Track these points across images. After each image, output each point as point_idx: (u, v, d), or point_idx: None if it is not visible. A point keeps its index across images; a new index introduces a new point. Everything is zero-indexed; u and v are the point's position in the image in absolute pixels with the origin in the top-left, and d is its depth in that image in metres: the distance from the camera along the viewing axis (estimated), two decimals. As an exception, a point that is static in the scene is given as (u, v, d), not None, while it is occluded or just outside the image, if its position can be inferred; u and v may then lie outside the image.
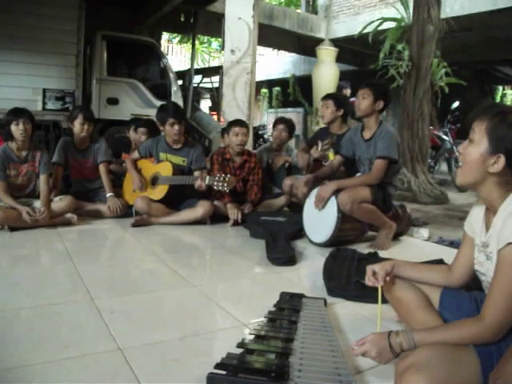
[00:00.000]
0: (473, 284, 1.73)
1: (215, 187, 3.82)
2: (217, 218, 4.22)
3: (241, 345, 1.68)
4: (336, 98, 4.42)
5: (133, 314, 2.14)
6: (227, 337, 1.92)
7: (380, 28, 7.62)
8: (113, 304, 2.23)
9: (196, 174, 4.18)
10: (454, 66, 7.23)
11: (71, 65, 7.66)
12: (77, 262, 2.88)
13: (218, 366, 1.49)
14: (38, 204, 3.83)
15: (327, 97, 4.44)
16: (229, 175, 3.83)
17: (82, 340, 1.83)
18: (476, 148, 1.46)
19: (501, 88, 20.23)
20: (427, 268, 1.88)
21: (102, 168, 4.44)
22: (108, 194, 4.30)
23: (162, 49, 11.83)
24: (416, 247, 3.75)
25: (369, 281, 1.80)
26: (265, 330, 1.83)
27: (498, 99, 19.16)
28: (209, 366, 1.50)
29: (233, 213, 4.15)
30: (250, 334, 1.83)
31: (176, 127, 4.17)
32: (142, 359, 1.69)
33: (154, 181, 4.27)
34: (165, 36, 20.16)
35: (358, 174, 3.66)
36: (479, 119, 1.47)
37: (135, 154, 4.50)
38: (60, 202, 3.96)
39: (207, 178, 3.88)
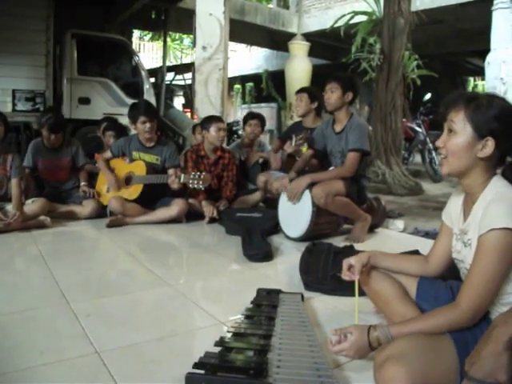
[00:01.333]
0: (448, 274, 1.75)
1: (190, 185, 3.80)
2: (192, 216, 4.20)
3: (219, 343, 1.67)
4: (310, 91, 4.47)
5: (109, 317, 2.11)
6: (205, 335, 1.91)
7: (351, 22, 7.67)
8: (89, 307, 2.20)
9: (170, 172, 4.14)
10: (426, 59, 7.31)
11: (41, 65, 7.54)
12: (51, 265, 2.84)
13: (196, 366, 1.48)
14: (10, 207, 3.75)
15: (301, 90, 4.50)
16: (204, 173, 3.82)
17: (58, 345, 1.80)
18: (461, 137, 1.47)
19: (472, 79, 20.52)
20: (404, 258, 1.90)
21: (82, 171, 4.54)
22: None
23: (134, 46, 11.73)
24: (392, 239, 3.78)
25: (345, 275, 1.81)
26: (243, 328, 1.83)
27: (469, 90, 19.42)
28: (187, 365, 1.48)
29: (208, 210, 4.13)
30: (228, 331, 1.82)
31: (147, 125, 4.12)
32: (120, 362, 1.68)
33: (128, 180, 4.23)
34: (136, 33, 20.02)
35: (331, 168, 3.67)
36: (454, 109, 1.49)
37: (108, 154, 4.43)
38: (32, 205, 3.89)
39: (182, 176, 3.85)
